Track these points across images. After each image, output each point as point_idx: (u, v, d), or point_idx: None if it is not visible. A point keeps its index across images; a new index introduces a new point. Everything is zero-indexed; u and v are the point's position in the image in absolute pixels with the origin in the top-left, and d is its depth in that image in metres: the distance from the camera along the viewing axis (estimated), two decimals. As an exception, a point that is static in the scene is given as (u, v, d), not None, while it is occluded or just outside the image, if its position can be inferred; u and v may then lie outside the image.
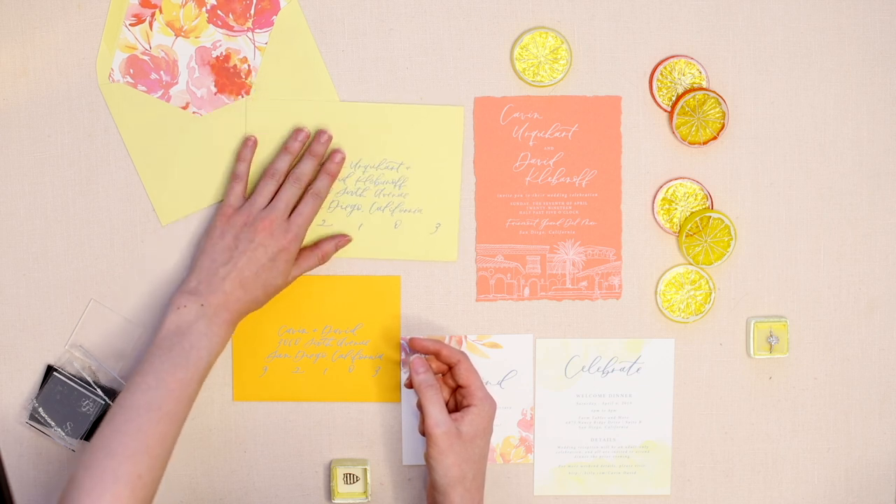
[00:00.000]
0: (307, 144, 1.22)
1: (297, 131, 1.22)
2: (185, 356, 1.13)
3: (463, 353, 1.22)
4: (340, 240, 1.23)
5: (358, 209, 1.24)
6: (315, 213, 1.20)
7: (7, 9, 1.22)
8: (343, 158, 1.22)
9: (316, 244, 1.23)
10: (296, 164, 1.21)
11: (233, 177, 1.21)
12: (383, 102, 1.23)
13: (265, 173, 1.21)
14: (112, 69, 1.23)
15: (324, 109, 1.23)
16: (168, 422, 1.11)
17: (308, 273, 1.24)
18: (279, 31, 1.22)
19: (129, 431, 1.09)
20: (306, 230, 1.20)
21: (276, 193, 1.20)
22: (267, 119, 1.23)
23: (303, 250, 1.22)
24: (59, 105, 1.23)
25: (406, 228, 1.24)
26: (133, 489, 1.07)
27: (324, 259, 1.22)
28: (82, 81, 1.23)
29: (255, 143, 1.22)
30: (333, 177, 1.22)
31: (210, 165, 1.23)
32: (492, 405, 1.20)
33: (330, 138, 1.22)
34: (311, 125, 1.23)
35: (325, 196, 1.21)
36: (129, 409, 1.11)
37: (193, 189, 1.23)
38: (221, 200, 1.23)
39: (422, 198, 1.24)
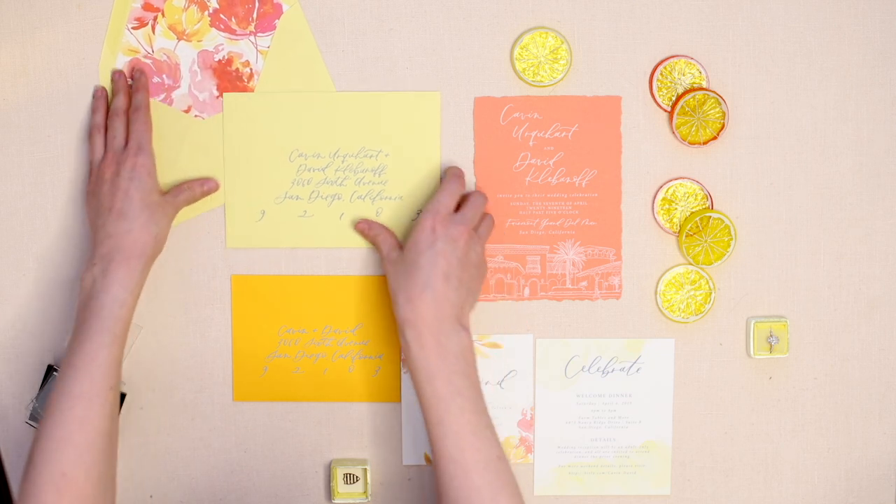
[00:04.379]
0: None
1: (95, 91, 1.22)
2: (86, 329, 1.11)
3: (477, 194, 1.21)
4: (207, 182, 1.22)
5: (339, 199, 1.24)
6: (146, 124, 1.19)
7: (7, 9, 1.22)
8: (142, 72, 1.21)
9: (185, 181, 1.22)
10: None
11: (90, 165, 1.22)
12: (358, 91, 1.23)
13: (90, 131, 1.21)
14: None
15: (301, 100, 1.23)
16: (84, 403, 1.09)
17: (309, 273, 1.24)
18: (281, 35, 1.22)
19: (45, 432, 1.08)
20: (148, 140, 1.18)
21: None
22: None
23: (172, 187, 1.22)
24: (59, 105, 1.23)
25: (388, 216, 1.24)
26: (57, 489, 1.06)
27: (191, 192, 1.21)
28: (82, 81, 1.23)
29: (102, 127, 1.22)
30: (145, 89, 1.21)
31: (212, 169, 1.23)
32: (425, 217, 1.17)
33: (121, 73, 1.22)
34: (295, 116, 1.22)
35: (147, 105, 1.20)
36: (45, 410, 1.10)
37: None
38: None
39: (402, 185, 1.24)
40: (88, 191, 1.20)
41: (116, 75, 1.22)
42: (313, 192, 1.24)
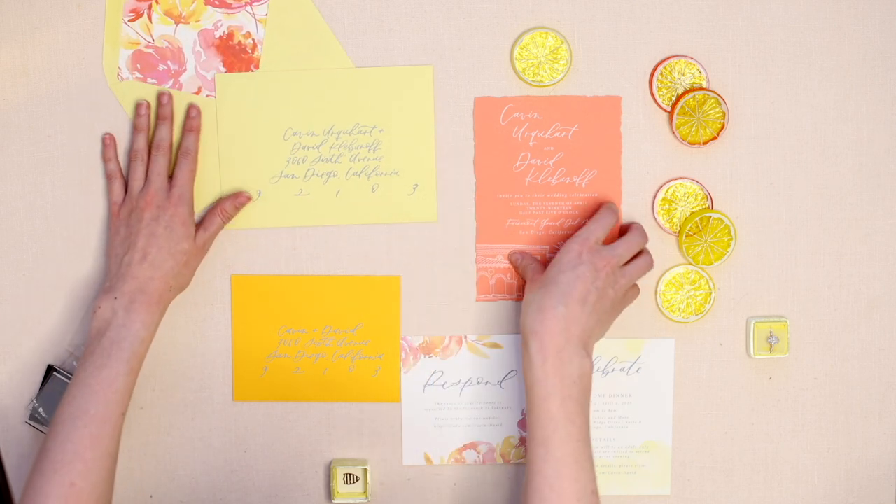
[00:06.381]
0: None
1: (137, 106, 1.22)
2: (105, 355, 1.14)
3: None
4: (238, 197, 1.22)
5: (334, 176, 1.24)
6: (192, 171, 1.21)
7: (7, 9, 1.22)
8: (199, 111, 1.22)
9: (217, 203, 1.23)
10: (153, 135, 1.22)
11: (107, 177, 1.22)
12: (352, 67, 1.23)
13: (129, 158, 1.21)
14: (119, 68, 1.23)
15: (294, 79, 1.23)
16: (97, 423, 1.12)
17: (309, 273, 1.24)
18: (277, 0, 1.23)
19: (56, 445, 1.11)
20: (190, 189, 1.20)
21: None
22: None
23: (206, 213, 1.23)
24: (59, 105, 1.23)
25: (384, 192, 1.24)
26: (65, 499, 1.09)
27: (224, 216, 1.22)
28: (82, 81, 1.23)
29: (114, 139, 1.22)
30: (196, 131, 1.22)
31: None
32: (573, 242, 1.18)
33: (170, 98, 1.22)
34: (288, 94, 1.22)
35: (196, 151, 1.21)
36: (56, 424, 1.13)
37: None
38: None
39: (397, 160, 1.24)
40: (121, 218, 1.20)
41: (165, 98, 1.21)
42: (309, 170, 1.24)
